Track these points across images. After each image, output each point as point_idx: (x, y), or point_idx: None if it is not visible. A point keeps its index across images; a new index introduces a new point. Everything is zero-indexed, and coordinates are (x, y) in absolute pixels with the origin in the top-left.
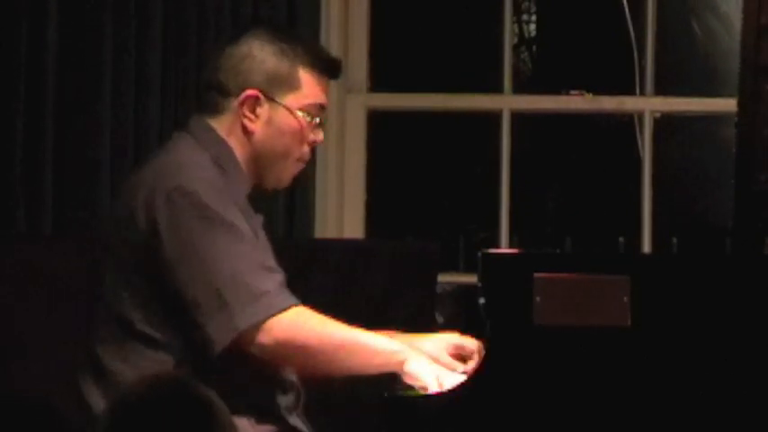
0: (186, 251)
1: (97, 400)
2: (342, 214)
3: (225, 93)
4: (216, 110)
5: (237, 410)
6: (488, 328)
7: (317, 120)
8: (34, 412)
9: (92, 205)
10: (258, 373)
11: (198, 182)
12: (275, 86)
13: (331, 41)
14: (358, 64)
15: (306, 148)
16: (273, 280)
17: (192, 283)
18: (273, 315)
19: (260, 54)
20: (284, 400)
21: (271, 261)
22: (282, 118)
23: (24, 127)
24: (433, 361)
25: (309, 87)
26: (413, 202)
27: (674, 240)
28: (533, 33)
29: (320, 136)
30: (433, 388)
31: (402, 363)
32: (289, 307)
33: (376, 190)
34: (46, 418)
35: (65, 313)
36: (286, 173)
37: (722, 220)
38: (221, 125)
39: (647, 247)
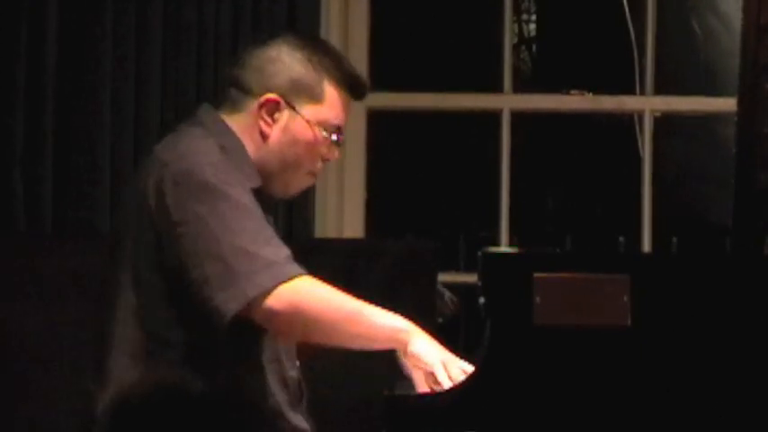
0: (195, 229)
1: (104, 398)
2: (342, 213)
3: (246, 92)
4: (234, 107)
5: (238, 408)
6: (488, 327)
7: (334, 137)
8: (34, 412)
9: (92, 205)
10: (260, 369)
11: (204, 165)
12: (297, 94)
13: (331, 41)
14: (358, 64)
15: (318, 163)
16: (281, 252)
17: (202, 258)
18: (282, 282)
19: (288, 59)
20: (285, 395)
21: (278, 239)
22: (299, 127)
23: (24, 127)
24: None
25: (331, 102)
26: (413, 202)
27: (675, 240)
28: (533, 33)
29: (335, 153)
30: (440, 375)
31: (405, 342)
32: (297, 276)
33: (376, 189)
34: (46, 419)
35: (65, 313)
36: (294, 183)
37: (722, 219)
38: (237, 123)
39: (647, 246)
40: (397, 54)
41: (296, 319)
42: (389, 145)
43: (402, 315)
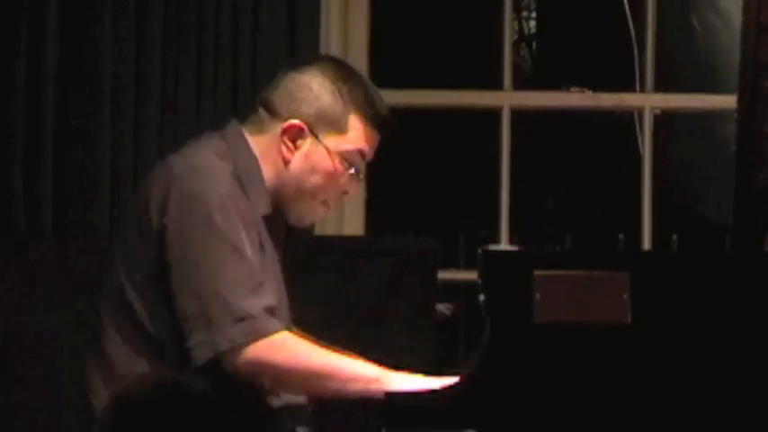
0: (185, 259)
1: (102, 398)
2: (342, 211)
3: (273, 114)
4: (259, 127)
5: (239, 408)
6: (488, 324)
7: (354, 170)
8: (34, 412)
9: (92, 205)
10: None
11: (211, 193)
12: (322, 124)
13: (331, 40)
14: (358, 62)
15: (335, 194)
16: (261, 303)
17: (184, 292)
18: (254, 340)
19: (318, 89)
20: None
21: (265, 287)
22: (319, 157)
23: (24, 127)
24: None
25: (355, 135)
26: (413, 200)
27: (674, 237)
28: (533, 30)
29: (354, 188)
30: None
31: (381, 392)
32: (271, 333)
33: (376, 187)
34: (46, 418)
35: (65, 313)
36: (308, 212)
37: (722, 217)
38: (259, 143)
39: (647, 243)
40: (397, 52)
41: (262, 375)
42: (389, 143)
43: (401, 314)
